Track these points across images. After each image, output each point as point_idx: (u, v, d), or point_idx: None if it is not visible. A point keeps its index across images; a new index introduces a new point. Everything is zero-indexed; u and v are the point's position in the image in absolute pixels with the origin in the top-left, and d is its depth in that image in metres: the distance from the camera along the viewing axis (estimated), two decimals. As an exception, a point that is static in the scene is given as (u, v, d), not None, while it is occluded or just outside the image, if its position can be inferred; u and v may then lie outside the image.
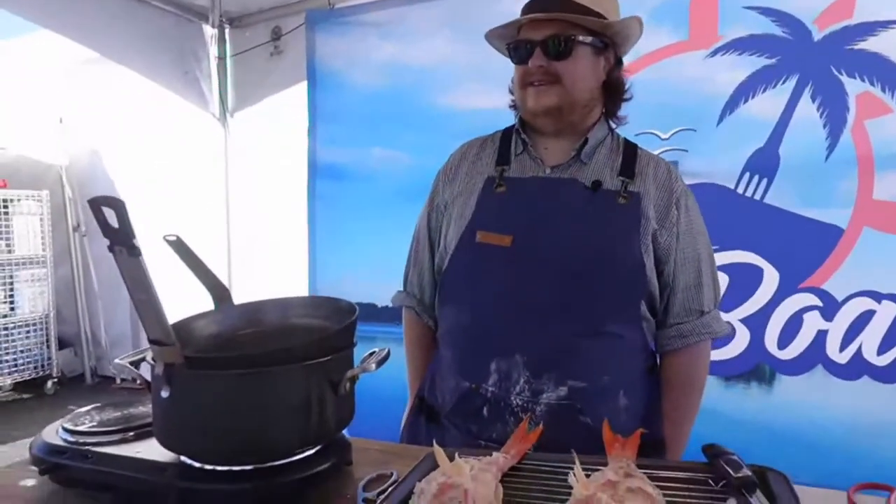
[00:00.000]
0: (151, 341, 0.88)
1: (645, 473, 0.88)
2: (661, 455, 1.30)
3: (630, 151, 1.34)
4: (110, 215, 0.80)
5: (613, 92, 1.36)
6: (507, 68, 1.37)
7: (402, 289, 1.52)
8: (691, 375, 1.36)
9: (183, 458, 0.95)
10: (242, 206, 3.89)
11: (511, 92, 1.38)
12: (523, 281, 1.24)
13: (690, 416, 1.36)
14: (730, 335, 1.39)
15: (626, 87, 1.38)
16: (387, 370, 1.02)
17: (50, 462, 0.99)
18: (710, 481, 0.89)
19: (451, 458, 0.89)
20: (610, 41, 1.31)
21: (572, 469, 0.85)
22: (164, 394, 0.89)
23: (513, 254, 1.25)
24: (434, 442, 0.92)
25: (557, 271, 1.23)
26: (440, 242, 1.40)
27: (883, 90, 2.28)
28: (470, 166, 1.40)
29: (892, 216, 2.27)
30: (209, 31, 3.81)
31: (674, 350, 1.33)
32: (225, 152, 3.90)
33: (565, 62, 1.25)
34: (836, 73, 2.34)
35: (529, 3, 1.29)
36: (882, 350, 2.29)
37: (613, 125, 1.40)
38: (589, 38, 1.27)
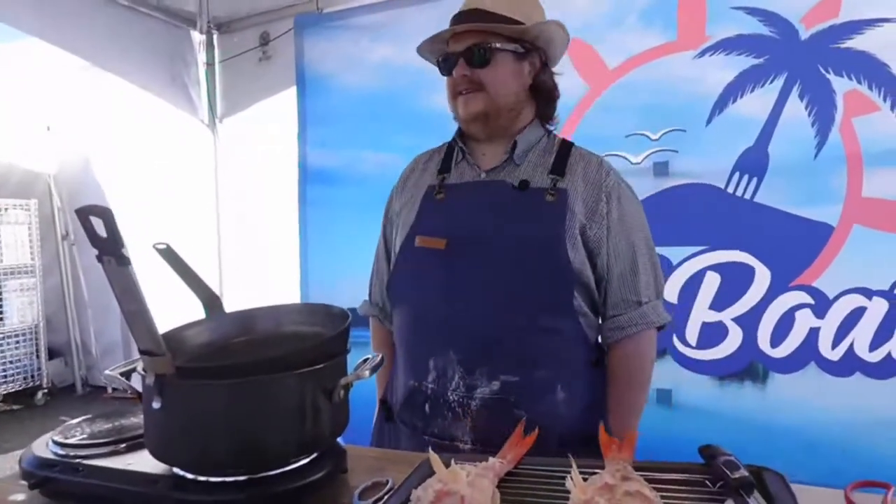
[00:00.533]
0: (142, 352, 0.87)
1: (641, 475, 0.87)
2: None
3: (564, 151, 1.39)
4: (98, 224, 0.79)
5: (542, 95, 1.41)
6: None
7: (367, 299, 1.61)
8: (633, 367, 1.37)
9: (175, 469, 0.94)
10: (233, 212, 3.87)
11: None
12: (456, 281, 1.30)
13: (636, 409, 1.38)
14: (670, 324, 1.40)
15: (555, 88, 1.43)
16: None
17: (40, 476, 0.97)
18: (708, 482, 0.88)
19: (448, 465, 0.88)
20: (531, 46, 1.36)
21: (569, 473, 0.84)
22: (156, 405, 0.88)
23: (447, 256, 1.31)
24: (431, 449, 0.91)
25: (487, 270, 1.29)
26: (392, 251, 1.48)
27: (870, 88, 2.30)
28: (417, 178, 1.48)
29: (882, 213, 2.28)
30: (197, 37, 3.79)
31: (615, 342, 1.35)
32: (214, 158, 3.88)
33: (486, 70, 1.32)
34: (823, 71, 2.36)
35: (454, 17, 1.36)
36: (874, 346, 2.30)
37: (551, 127, 1.45)
38: (509, 46, 1.33)
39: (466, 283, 1.29)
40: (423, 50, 1.43)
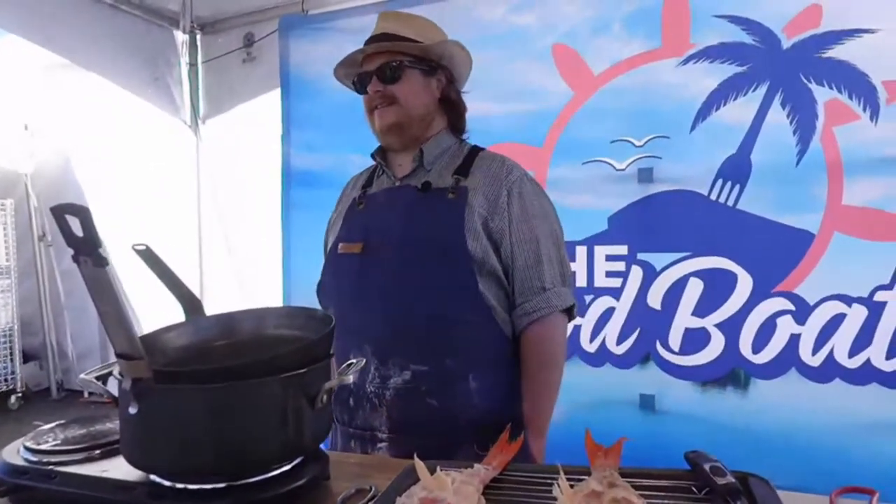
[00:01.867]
0: (118, 355, 0.84)
1: (628, 482, 0.87)
2: (520, 434, 1.31)
3: (471, 155, 1.51)
4: (74, 224, 0.77)
5: (451, 107, 1.55)
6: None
7: None
8: (543, 351, 1.44)
9: (152, 476, 0.91)
10: (215, 214, 3.82)
11: None
12: (369, 279, 1.42)
13: (546, 393, 1.45)
14: (575, 307, 1.48)
15: (461, 102, 1.57)
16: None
17: (10, 483, 0.94)
18: (694, 488, 0.88)
19: (433, 472, 0.87)
20: (437, 64, 1.50)
21: (556, 480, 0.83)
22: (133, 410, 0.86)
23: (362, 258, 1.44)
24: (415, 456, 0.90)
25: (395, 266, 1.40)
26: None
27: (850, 97, 2.33)
28: (347, 195, 1.64)
29: (861, 221, 2.31)
30: (180, 37, 3.74)
31: (524, 328, 1.42)
32: (196, 160, 3.83)
33: (398, 85, 1.45)
34: (804, 80, 2.38)
35: (365, 42, 1.50)
36: (853, 353, 2.32)
37: (464, 137, 1.58)
38: (417, 64, 1.47)
39: (378, 280, 1.41)
40: (338, 74, 1.56)
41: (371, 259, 1.43)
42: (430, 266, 1.38)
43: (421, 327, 1.37)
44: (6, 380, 4.90)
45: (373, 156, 1.59)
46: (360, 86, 1.50)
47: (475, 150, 1.53)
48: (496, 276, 1.41)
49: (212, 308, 1.17)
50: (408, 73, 1.46)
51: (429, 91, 1.50)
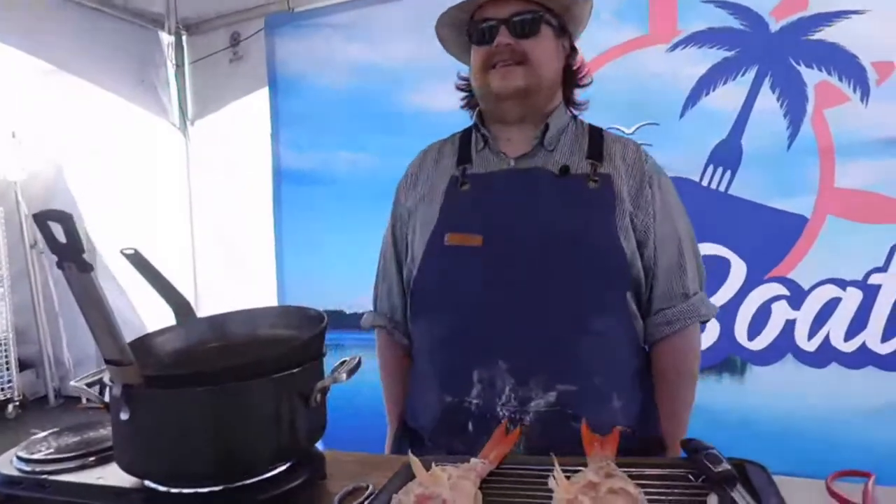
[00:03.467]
0: (107, 361, 0.84)
1: (624, 472, 0.86)
2: (663, 453, 1.24)
3: (596, 134, 1.29)
4: (57, 230, 0.76)
5: (572, 78, 1.33)
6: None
7: (372, 309, 1.46)
8: (682, 363, 1.28)
9: (147, 482, 0.91)
10: (206, 215, 3.81)
11: (463, 89, 1.36)
12: (499, 281, 1.17)
13: (686, 406, 1.29)
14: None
15: (584, 73, 1.35)
16: (360, 377, 0.99)
17: (3, 494, 0.93)
18: (690, 477, 0.88)
19: (428, 468, 0.87)
20: (566, 26, 1.28)
21: (552, 472, 0.83)
22: (124, 416, 0.85)
23: (485, 253, 1.18)
24: (409, 452, 0.89)
25: (534, 267, 1.17)
26: (408, 254, 1.33)
27: (840, 79, 2.33)
28: (431, 171, 1.34)
29: (854, 203, 2.32)
30: (166, 39, 3.71)
31: (662, 338, 1.25)
32: (186, 161, 3.81)
33: (532, 40, 1.20)
34: (793, 63, 2.38)
35: None
36: (848, 337, 2.33)
37: (576, 112, 1.36)
38: (553, 20, 1.24)
39: (512, 282, 1.16)
40: (447, 19, 1.29)
41: (499, 255, 1.18)
42: (578, 268, 1.16)
43: (568, 341, 1.16)
44: (3, 389, 4.87)
45: (476, 126, 1.31)
46: (477, 35, 1.23)
47: (597, 130, 1.30)
48: (638, 281, 1.22)
49: (206, 308, 1.17)
50: (544, 30, 1.21)
51: (560, 55, 1.27)
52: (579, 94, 1.37)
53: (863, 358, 2.30)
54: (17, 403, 4.90)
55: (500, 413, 1.16)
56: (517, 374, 1.15)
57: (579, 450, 0.95)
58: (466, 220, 1.22)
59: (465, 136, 1.34)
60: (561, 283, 1.16)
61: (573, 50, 1.32)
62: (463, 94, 1.37)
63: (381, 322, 1.41)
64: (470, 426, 1.18)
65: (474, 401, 1.18)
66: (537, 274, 1.17)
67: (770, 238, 2.42)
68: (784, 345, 2.40)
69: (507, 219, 1.20)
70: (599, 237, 1.18)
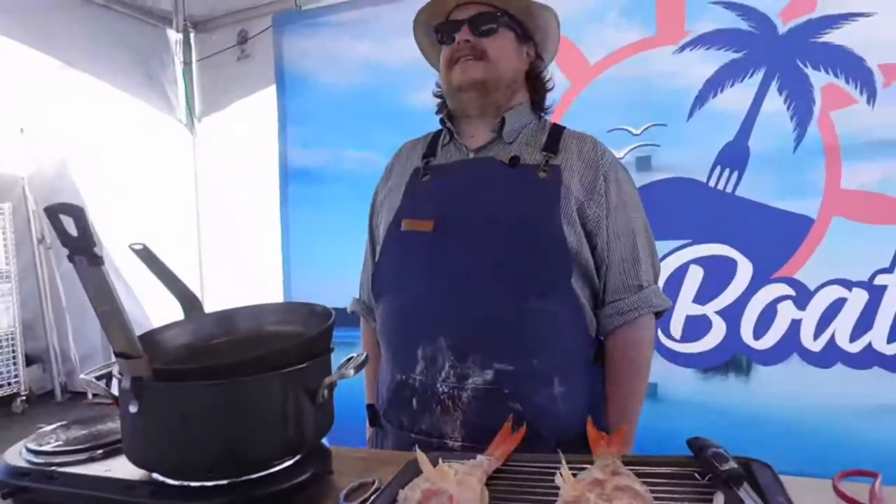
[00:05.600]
0: (117, 354, 0.84)
1: (631, 470, 0.87)
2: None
3: (556, 130, 1.34)
4: (69, 223, 0.76)
5: (536, 83, 1.39)
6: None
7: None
8: (633, 354, 1.30)
9: (154, 475, 0.91)
10: (213, 212, 3.82)
11: (439, 95, 1.42)
12: (445, 263, 1.23)
13: (635, 400, 1.31)
14: (669, 309, 1.35)
15: (548, 78, 1.42)
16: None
17: (13, 485, 0.94)
18: (697, 475, 0.88)
19: (435, 464, 0.87)
20: (529, 35, 1.36)
21: (559, 469, 0.83)
22: (133, 409, 0.85)
23: (435, 238, 1.24)
24: (418, 448, 0.89)
25: (477, 249, 1.22)
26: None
27: (847, 82, 2.32)
28: (402, 164, 1.43)
29: (860, 205, 2.31)
30: (174, 36, 3.74)
31: (615, 328, 1.27)
32: (193, 158, 3.83)
33: (491, 39, 1.29)
34: (801, 65, 2.38)
35: None
36: (854, 337, 2.33)
37: (545, 115, 1.42)
38: (515, 24, 1.32)
39: (457, 263, 1.22)
40: (421, 18, 1.39)
41: (446, 239, 1.23)
42: (520, 252, 1.20)
43: (510, 321, 1.19)
44: (10, 384, 4.89)
45: (442, 120, 1.39)
46: (444, 34, 1.32)
47: (559, 128, 1.36)
48: (587, 269, 1.24)
49: (212, 305, 1.16)
50: (503, 31, 1.30)
51: (520, 57, 1.34)
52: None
53: (868, 358, 2.30)
54: (24, 398, 4.93)
55: (440, 389, 1.21)
56: (456, 350, 1.20)
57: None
58: (422, 208, 1.30)
59: (437, 133, 1.42)
60: (503, 264, 1.21)
61: (539, 58, 1.40)
62: (438, 101, 1.43)
63: (358, 308, 1.52)
64: (414, 402, 1.24)
65: (418, 377, 1.24)
66: (480, 256, 1.22)
67: (776, 239, 2.41)
68: (790, 345, 2.40)
69: (457, 206, 1.27)
70: (541, 223, 1.22)
